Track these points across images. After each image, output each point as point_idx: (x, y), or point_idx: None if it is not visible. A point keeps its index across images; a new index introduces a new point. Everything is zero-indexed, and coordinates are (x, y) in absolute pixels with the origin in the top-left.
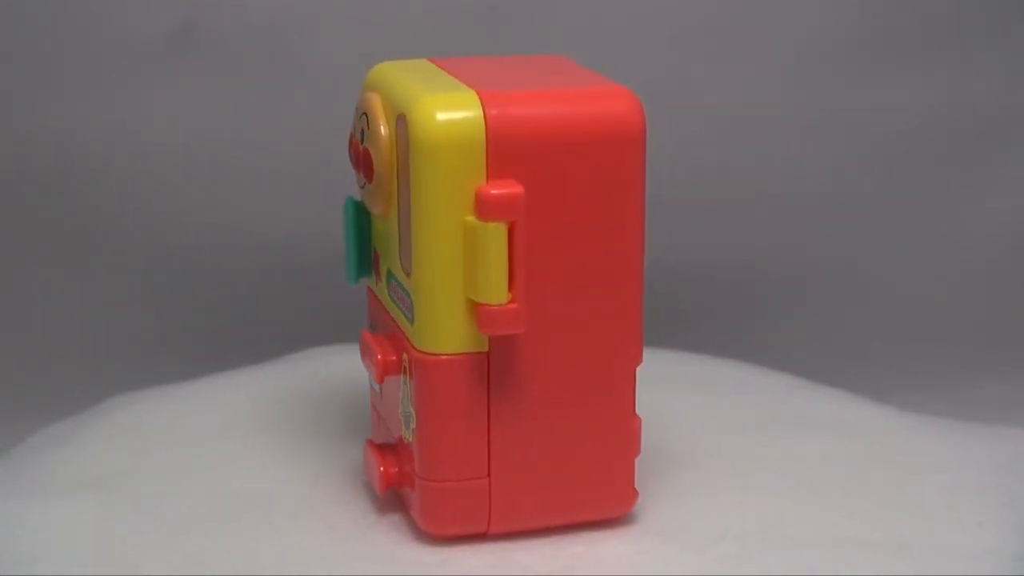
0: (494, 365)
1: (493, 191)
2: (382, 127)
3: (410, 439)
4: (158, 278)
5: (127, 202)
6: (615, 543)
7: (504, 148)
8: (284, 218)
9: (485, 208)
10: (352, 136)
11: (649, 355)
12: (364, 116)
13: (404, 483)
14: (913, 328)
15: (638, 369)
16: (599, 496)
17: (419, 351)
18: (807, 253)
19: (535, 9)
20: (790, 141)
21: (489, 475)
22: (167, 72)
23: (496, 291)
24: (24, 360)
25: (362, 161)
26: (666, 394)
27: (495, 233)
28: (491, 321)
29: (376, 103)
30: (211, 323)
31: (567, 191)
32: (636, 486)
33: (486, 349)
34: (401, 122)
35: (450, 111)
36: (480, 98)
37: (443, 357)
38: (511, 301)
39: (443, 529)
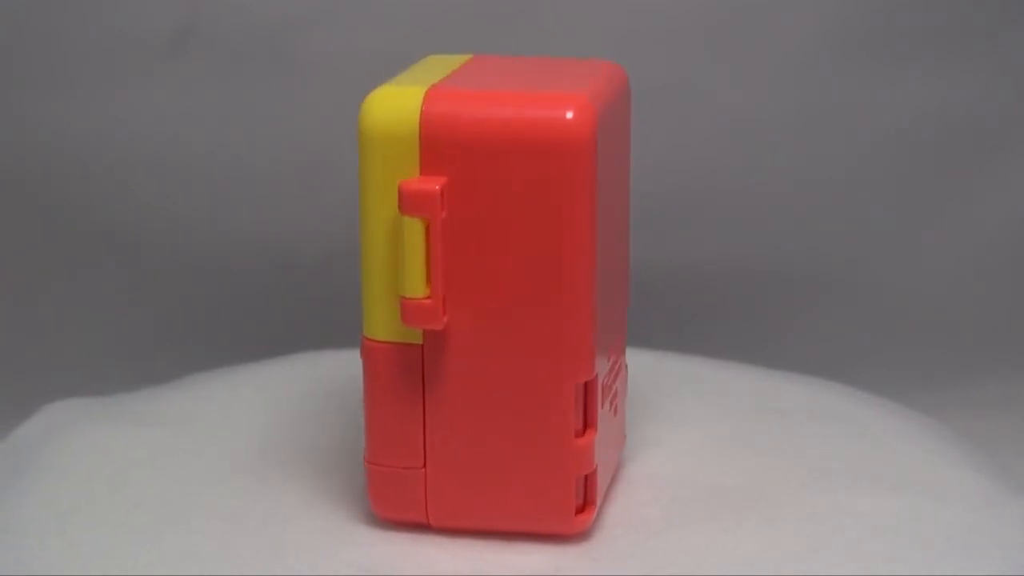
0: (428, 359)
1: (409, 186)
2: None
3: None
4: (157, 277)
5: (125, 201)
6: (541, 557)
7: (436, 146)
8: (284, 218)
9: (402, 202)
10: None
11: (693, 363)
12: None
13: None
14: (912, 328)
15: (694, 375)
16: (536, 510)
17: (364, 335)
18: (805, 253)
19: (537, 9)
20: (789, 141)
21: (425, 467)
22: (167, 72)
23: (412, 285)
24: (22, 359)
25: None
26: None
27: (412, 228)
28: (409, 314)
29: None
30: (209, 323)
31: (501, 194)
32: (618, 506)
33: (420, 342)
34: None
35: (390, 105)
36: (425, 95)
37: (378, 343)
38: (427, 297)
39: (386, 512)
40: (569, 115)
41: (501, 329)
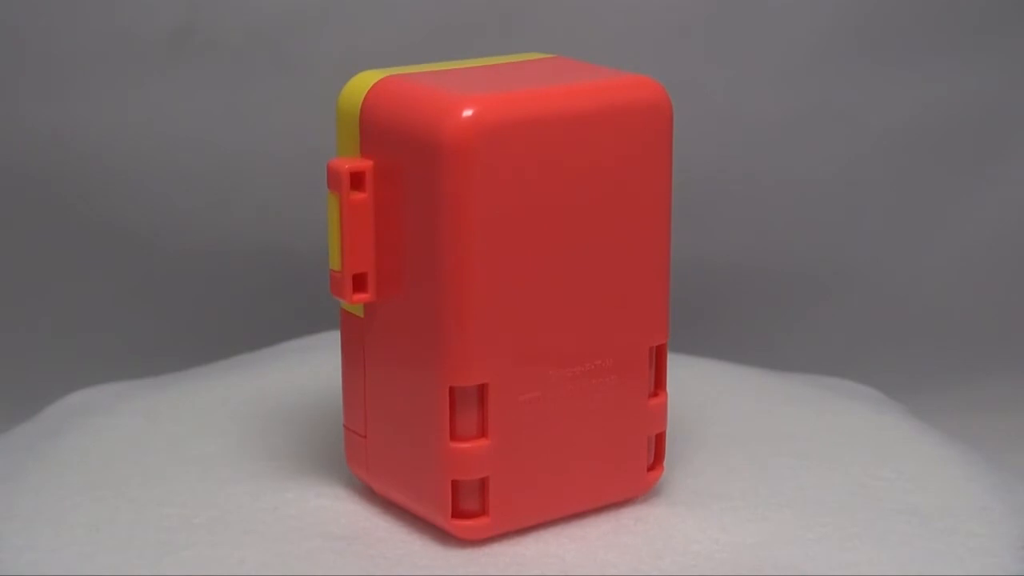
0: (367, 333)
1: (331, 164)
2: None
3: None
4: (156, 275)
5: (125, 200)
6: (407, 548)
7: (367, 131)
8: (284, 218)
9: (328, 179)
10: None
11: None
12: None
13: None
14: (913, 328)
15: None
16: (426, 503)
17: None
18: (805, 252)
19: (537, 9)
20: (789, 140)
21: (367, 436)
22: (167, 72)
23: (332, 258)
24: (21, 357)
25: None
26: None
27: (331, 203)
28: (332, 286)
29: None
30: (209, 323)
31: (406, 184)
32: (552, 536)
33: (362, 315)
34: None
35: (352, 90)
36: (374, 84)
37: (343, 312)
38: (339, 271)
39: (353, 468)
40: (467, 114)
41: (405, 320)
